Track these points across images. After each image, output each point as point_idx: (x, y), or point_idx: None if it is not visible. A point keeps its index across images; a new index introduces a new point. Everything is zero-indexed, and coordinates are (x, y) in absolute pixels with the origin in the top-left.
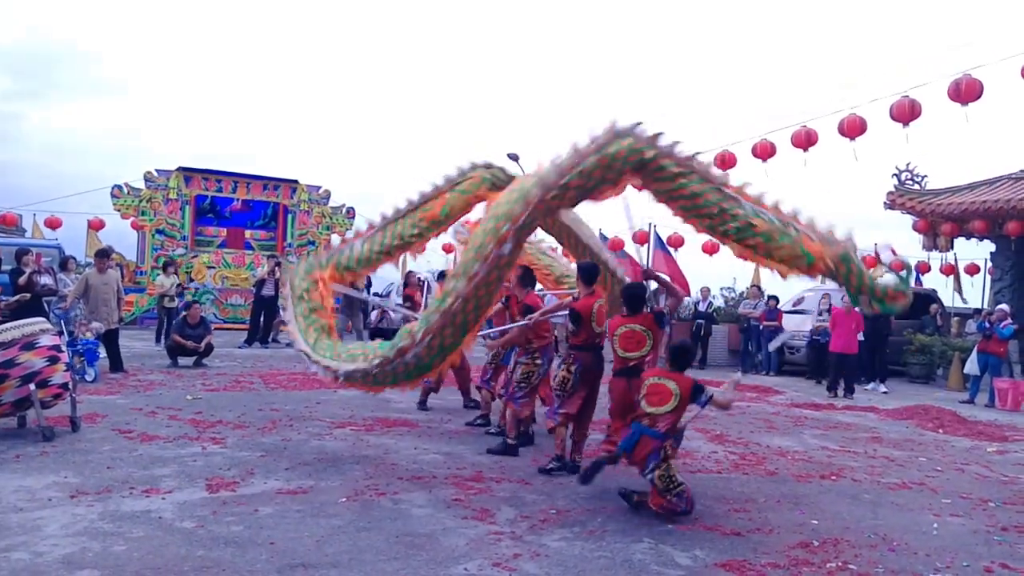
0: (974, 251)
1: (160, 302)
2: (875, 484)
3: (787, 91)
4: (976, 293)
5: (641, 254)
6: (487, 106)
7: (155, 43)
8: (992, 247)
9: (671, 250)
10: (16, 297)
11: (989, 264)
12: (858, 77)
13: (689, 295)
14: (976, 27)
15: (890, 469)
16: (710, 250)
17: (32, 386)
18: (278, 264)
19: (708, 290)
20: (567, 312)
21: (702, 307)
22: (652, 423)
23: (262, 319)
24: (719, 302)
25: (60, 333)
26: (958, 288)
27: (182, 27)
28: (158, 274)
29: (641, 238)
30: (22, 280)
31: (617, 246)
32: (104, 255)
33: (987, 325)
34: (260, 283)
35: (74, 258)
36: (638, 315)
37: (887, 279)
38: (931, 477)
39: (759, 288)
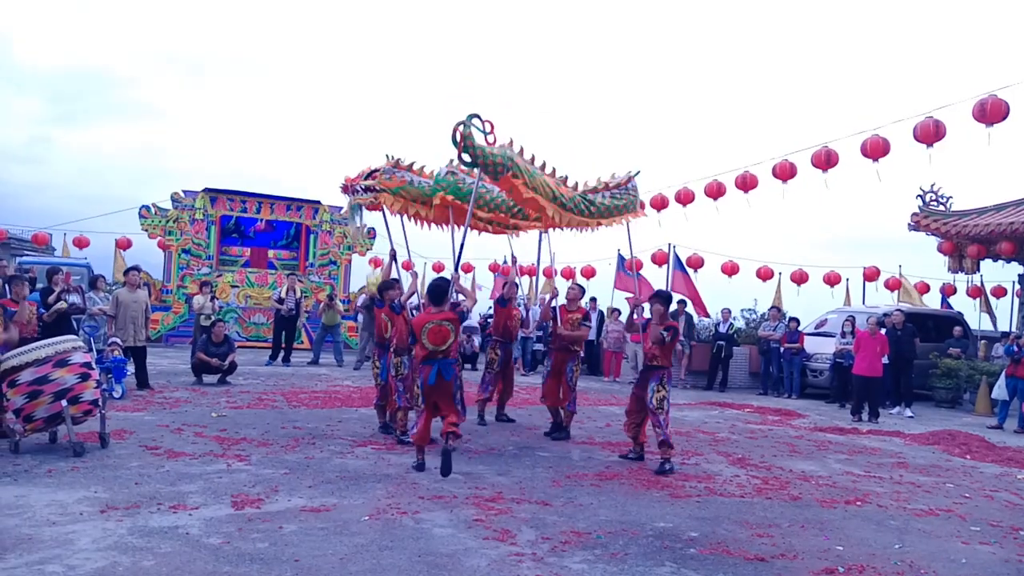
0: (1001, 273)
1: (197, 320)
2: (901, 510)
3: (807, 109)
4: (1003, 316)
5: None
6: (512, 123)
7: (183, 67)
8: (1020, 269)
9: (690, 271)
10: (54, 308)
11: (1017, 287)
12: (879, 97)
13: (708, 316)
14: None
15: (917, 495)
16: (730, 271)
17: (64, 402)
18: (299, 281)
19: (729, 312)
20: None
21: (723, 329)
22: (444, 355)
23: (283, 337)
24: (740, 324)
25: (90, 350)
26: (988, 310)
27: (209, 52)
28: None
29: (660, 258)
30: (51, 298)
31: (637, 266)
32: (136, 270)
33: (1015, 349)
34: (280, 302)
35: (103, 277)
36: (443, 311)
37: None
38: (959, 504)
39: (779, 310)
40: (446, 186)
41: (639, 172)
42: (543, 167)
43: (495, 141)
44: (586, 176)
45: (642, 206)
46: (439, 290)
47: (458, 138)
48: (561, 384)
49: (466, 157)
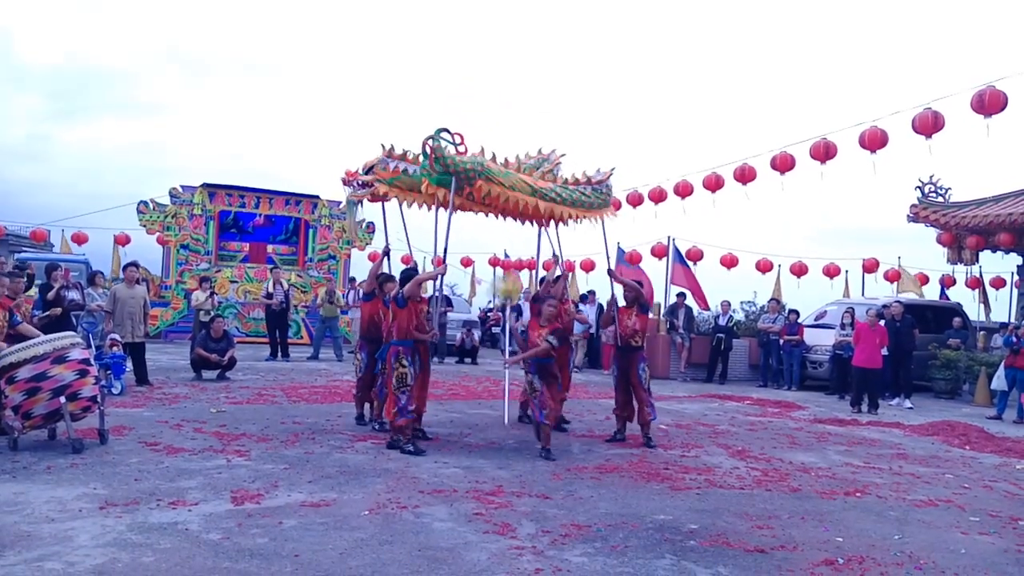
0: (1000, 264)
1: (196, 316)
2: (901, 501)
3: (805, 101)
4: (1002, 307)
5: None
6: (511, 123)
7: (183, 64)
8: (1019, 260)
9: (690, 263)
10: (48, 312)
11: (1015, 277)
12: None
13: (707, 308)
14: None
15: (916, 486)
16: (729, 263)
17: (63, 399)
18: (280, 274)
19: (729, 304)
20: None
21: (722, 321)
22: (388, 338)
23: (277, 333)
24: (739, 316)
25: (88, 347)
26: (985, 301)
27: (209, 49)
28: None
29: (660, 251)
30: (50, 295)
31: (635, 259)
32: (134, 266)
33: (1014, 340)
34: (268, 297)
35: (102, 273)
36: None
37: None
38: (958, 494)
39: (778, 302)
40: (430, 172)
41: (614, 170)
42: (518, 168)
43: (466, 151)
44: (576, 172)
45: (615, 205)
46: (402, 278)
47: (428, 151)
48: (561, 378)
49: (438, 167)
